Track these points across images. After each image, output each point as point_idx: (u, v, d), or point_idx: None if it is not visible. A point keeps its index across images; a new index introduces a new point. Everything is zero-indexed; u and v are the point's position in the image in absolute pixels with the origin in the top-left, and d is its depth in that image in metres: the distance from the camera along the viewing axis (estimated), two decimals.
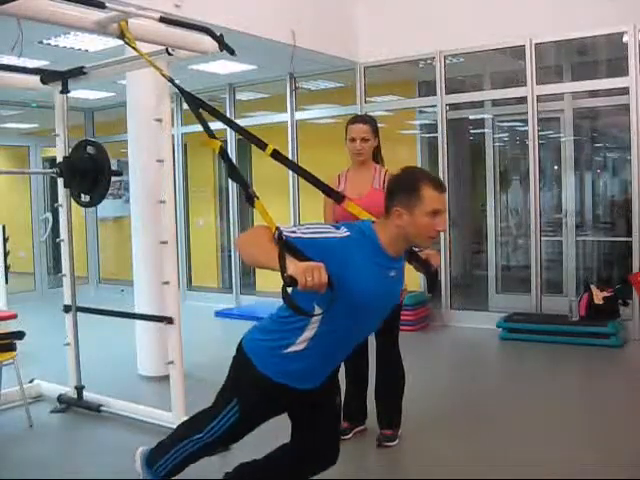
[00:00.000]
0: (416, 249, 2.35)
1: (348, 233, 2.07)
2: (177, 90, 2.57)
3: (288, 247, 1.94)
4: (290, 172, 6.91)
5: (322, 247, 2.00)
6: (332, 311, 2.01)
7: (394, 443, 3.49)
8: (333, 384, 2.43)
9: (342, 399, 2.67)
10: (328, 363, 2.29)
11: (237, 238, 2.07)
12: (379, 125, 3.53)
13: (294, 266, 1.81)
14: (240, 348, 2.29)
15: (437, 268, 2.38)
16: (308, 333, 2.13)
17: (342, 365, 3.43)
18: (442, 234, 6.55)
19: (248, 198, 2.14)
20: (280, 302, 2.04)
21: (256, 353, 2.23)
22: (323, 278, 1.80)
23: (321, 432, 2.40)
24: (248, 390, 2.25)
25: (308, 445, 2.41)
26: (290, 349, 2.15)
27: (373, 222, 2.19)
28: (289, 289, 1.84)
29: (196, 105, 2.44)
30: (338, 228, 2.10)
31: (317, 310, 2.05)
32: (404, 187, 2.11)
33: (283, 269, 1.80)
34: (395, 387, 3.56)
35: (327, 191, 2.47)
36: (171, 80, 2.77)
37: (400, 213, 2.07)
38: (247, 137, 2.43)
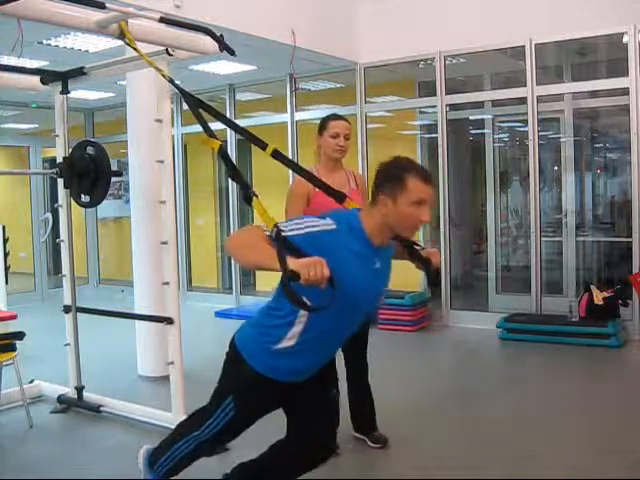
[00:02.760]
0: (417, 247, 2.35)
1: (335, 226, 2.07)
2: (177, 90, 2.57)
3: (287, 245, 1.94)
4: (290, 172, 6.93)
5: (309, 240, 1.99)
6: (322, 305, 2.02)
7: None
8: (329, 376, 2.44)
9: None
10: (319, 357, 2.29)
11: (227, 241, 2.03)
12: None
13: (295, 261, 1.82)
14: (232, 345, 2.31)
15: (438, 266, 2.37)
16: (297, 327, 2.14)
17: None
18: (442, 233, 6.58)
19: (245, 198, 2.14)
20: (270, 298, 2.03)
21: (248, 349, 2.24)
22: (325, 272, 1.81)
23: (317, 424, 2.40)
24: (242, 387, 2.27)
25: (305, 437, 2.41)
26: (281, 345, 2.16)
27: (360, 210, 2.21)
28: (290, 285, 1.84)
29: (196, 105, 2.44)
30: (324, 218, 2.10)
31: (318, 307, 2.03)
32: (390, 176, 2.12)
33: (284, 265, 1.80)
34: (369, 388, 3.53)
35: (327, 190, 2.47)
36: (171, 80, 2.77)
37: (386, 202, 2.09)
38: (247, 137, 2.44)
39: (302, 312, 2.09)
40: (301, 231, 2.02)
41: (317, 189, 3.35)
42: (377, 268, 2.17)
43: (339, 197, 2.43)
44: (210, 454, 2.59)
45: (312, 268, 1.79)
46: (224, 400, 2.27)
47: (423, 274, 2.39)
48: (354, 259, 2.07)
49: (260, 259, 1.91)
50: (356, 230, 2.11)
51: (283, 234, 1.97)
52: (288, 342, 2.16)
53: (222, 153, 2.31)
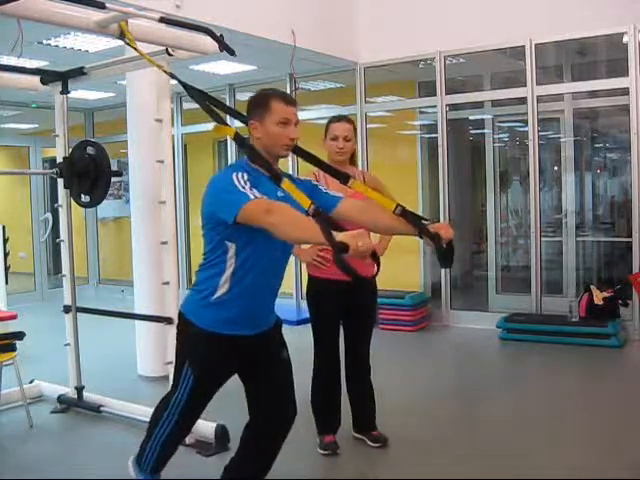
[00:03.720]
0: (426, 222, 2.29)
1: (237, 173, 2.18)
2: (180, 86, 2.58)
3: (327, 219, 2.10)
4: (292, 166, 6.94)
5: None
6: (245, 243, 2.21)
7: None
8: (277, 337, 2.50)
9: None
10: (257, 302, 2.35)
11: (264, 215, 2.05)
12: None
13: (342, 234, 1.92)
14: (179, 313, 2.41)
15: (451, 239, 2.27)
16: (227, 272, 2.25)
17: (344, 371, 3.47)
18: None
19: (275, 177, 2.22)
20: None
21: (191, 311, 2.35)
22: (370, 243, 1.92)
23: (274, 386, 2.47)
24: (193, 349, 2.35)
25: (265, 404, 2.47)
26: (217, 294, 2.28)
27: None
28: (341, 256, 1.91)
29: (201, 97, 2.46)
30: (238, 183, 2.16)
31: (231, 245, 2.22)
32: (257, 103, 2.35)
33: (332, 238, 1.89)
34: (371, 386, 3.53)
35: (332, 171, 2.53)
36: (172, 75, 2.77)
37: (255, 126, 2.32)
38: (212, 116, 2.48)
39: (229, 255, 2.24)
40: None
41: (324, 174, 3.38)
42: (281, 196, 2.25)
43: (343, 177, 2.47)
44: (188, 431, 2.64)
45: (359, 239, 1.88)
46: (182, 369, 2.36)
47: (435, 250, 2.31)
48: (268, 189, 2.20)
49: (307, 234, 2.02)
50: (248, 168, 2.26)
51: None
52: (223, 289, 2.27)
53: (239, 140, 2.35)
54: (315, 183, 2.50)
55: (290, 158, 6.75)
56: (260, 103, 2.34)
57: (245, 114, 2.41)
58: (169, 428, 2.42)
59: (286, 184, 2.18)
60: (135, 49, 2.94)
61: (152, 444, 2.46)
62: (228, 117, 2.68)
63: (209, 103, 2.43)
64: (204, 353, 2.33)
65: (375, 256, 2.19)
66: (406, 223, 2.30)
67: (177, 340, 2.44)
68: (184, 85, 2.54)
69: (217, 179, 2.32)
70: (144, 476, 2.50)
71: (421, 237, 2.29)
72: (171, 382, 2.50)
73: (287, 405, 2.49)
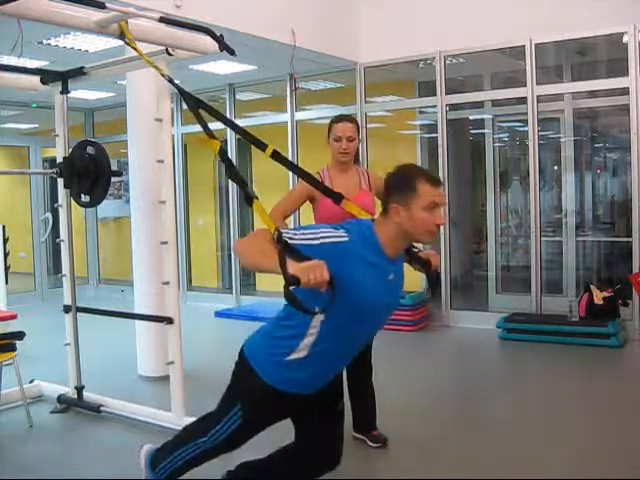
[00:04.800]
0: (415, 249, 2.34)
1: (348, 237, 2.05)
2: (176, 90, 2.57)
3: (288, 248, 1.94)
4: (290, 172, 6.93)
5: (322, 252, 1.97)
6: (334, 315, 2.02)
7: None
8: (336, 388, 2.44)
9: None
10: (330, 369, 2.28)
11: (236, 243, 2.06)
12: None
13: (295, 265, 1.82)
14: (242, 354, 2.28)
15: (437, 268, 2.36)
16: (309, 339, 2.12)
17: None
18: (442, 233, 6.58)
19: (247, 198, 2.13)
20: (282, 303, 2.04)
21: (258, 360, 2.22)
22: (325, 275, 1.81)
23: (322, 436, 2.40)
24: (251, 397, 2.25)
25: (309, 448, 2.42)
26: (292, 356, 2.15)
27: (373, 221, 2.18)
28: (291, 289, 1.84)
29: (195, 105, 2.44)
30: (337, 229, 2.08)
31: (317, 311, 2.03)
32: (400, 183, 2.11)
33: (284, 269, 1.80)
34: (371, 386, 3.53)
35: (325, 191, 2.48)
36: (170, 80, 2.77)
37: (398, 210, 2.07)
38: (247, 138, 2.44)
39: (314, 323, 2.08)
40: (316, 241, 2.01)
41: (329, 174, 3.36)
42: (391, 279, 2.15)
43: (336, 198, 2.43)
44: (214, 457, 2.55)
45: (312, 271, 1.80)
46: (232, 408, 2.26)
47: (423, 276, 2.39)
48: (368, 270, 2.05)
49: (262, 262, 1.92)
50: (370, 241, 2.09)
51: (295, 242, 1.97)
52: (300, 353, 2.14)
53: (222, 154, 2.30)
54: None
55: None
56: (405, 184, 2.09)
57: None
58: (199, 452, 2.36)
59: (256, 205, 2.11)
60: (135, 49, 2.95)
61: (175, 459, 2.40)
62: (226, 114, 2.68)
63: (207, 112, 2.41)
64: (261, 404, 2.25)
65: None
66: None
67: (234, 377, 2.32)
68: (180, 91, 2.52)
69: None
70: (155, 477, 2.47)
71: (410, 264, 2.32)
72: (209, 412, 2.37)
73: (331, 455, 2.42)
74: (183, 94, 2.49)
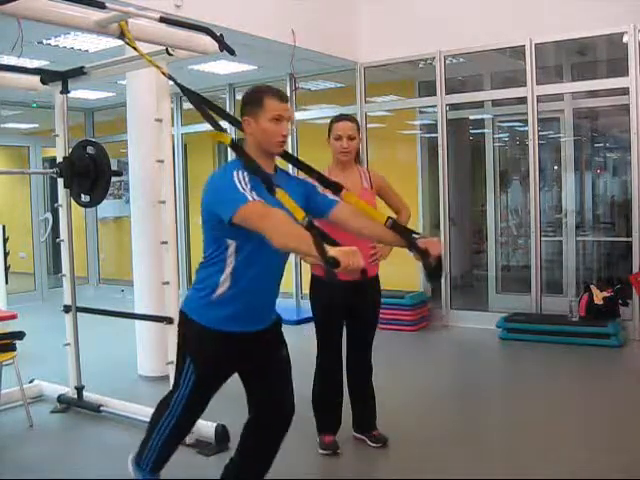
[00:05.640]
0: (416, 236, 2.35)
1: (238, 172, 2.18)
2: (178, 88, 2.58)
3: (321, 233, 2.10)
4: (290, 166, 6.93)
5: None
6: (245, 240, 2.20)
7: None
8: (277, 334, 2.51)
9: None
10: (258, 298, 2.36)
11: (260, 220, 2.06)
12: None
13: (334, 249, 1.91)
14: (180, 311, 2.42)
15: (439, 256, 2.30)
16: (228, 269, 2.27)
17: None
18: (442, 233, 6.58)
19: (269, 188, 2.20)
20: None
21: (192, 308, 2.36)
22: (361, 262, 1.91)
23: (272, 383, 2.47)
24: (195, 344, 2.36)
25: (263, 401, 2.47)
26: (217, 292, 2.29)
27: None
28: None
29: (198, 101, 2.46)
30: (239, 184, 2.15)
31: (231, 243, 2.23)
32: (251, 99, 2.35)
33: (324, 252, 1.89)
34: (371, 386, 3.53)
35: (324, 181, 2.50)
36: (171, 77, 2.77)
37: (249, 122, 2.32)
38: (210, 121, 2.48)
39: (229, 252, 2.25)
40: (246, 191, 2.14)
41: (329, 169, 3.37)
42: (279, 201, 2.22)
43: (334, 188, 2.47)
44: (189, 430, 2.65)
45: (351, 256, 1.88)
46: (183, 367, 2.36)
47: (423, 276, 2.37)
48: (263, 191, 2.17)
49: (299, 246, 2.00)
50: (241, 166, 2.24)
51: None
52: (223, 286, 2.28)
53: (234, 147, 2.36)
54: (314, 184, 2.48)
55: None
56: (253, 100, 2.34)
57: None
58: (170, 427, 2.43)
59: (280, 194, 2.16)
60: (135, 49, 2.94)
61: (152, 444, 2.46)
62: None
63: (210, 107, 2.45)
64: (206, 350, 2.34)
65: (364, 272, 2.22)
66: (397, 236, 2.36)
67: (178, 338, 2.44)
68: (182, 88, 2.55)
69: (217, 176, 2.32)
70: (143, 475, 2.50)
71: (410, 250, 2.33)
72: (172, 382, 2.49)
73: (284, 403, 2.49)
74: (185, 91, 2.51)
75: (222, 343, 2.32)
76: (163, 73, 2.83)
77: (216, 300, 2.29)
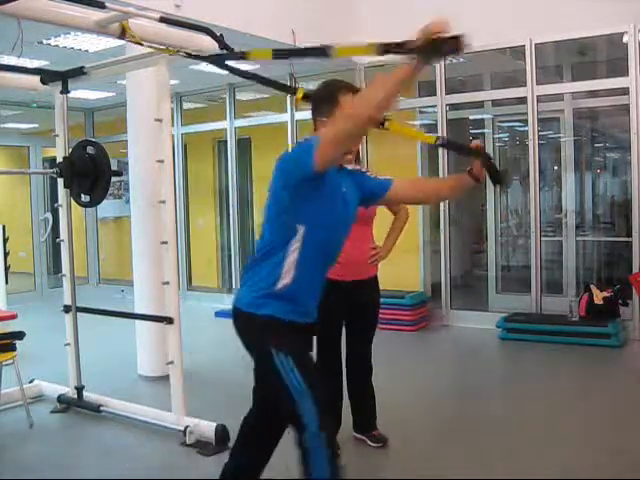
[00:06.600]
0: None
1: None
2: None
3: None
4: None
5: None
6: (313, 226, 2.12)
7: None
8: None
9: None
10: (316, 286, 2.27)
11: (337, 125, 2.00)
12: None
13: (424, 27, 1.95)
14: (236, 311, 2.24)
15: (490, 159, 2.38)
16: (292, 256, 2.14)
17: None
18: (442, 233, 6.58)
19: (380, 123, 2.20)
20: None
21: (253, 304, 2.18)
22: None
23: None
24: (270, 334, 2.16)
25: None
26: (280, 284, 2.14)
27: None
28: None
29: (223, 61, 2.55)
30: None
31: (300, 228, 2.12)
32: (323, 97, 2.28)
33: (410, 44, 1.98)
34: (371, 386, 3.54)
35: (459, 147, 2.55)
36: (190, 55, 2.84)
37: (324, 123, 2.21)
38: (274, 85, 2.59)
39: (296, 238, 2.12)
40: None
41: None
42: (344, 191, 2.24)
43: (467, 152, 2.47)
44: (334, 423, 2.54)
45: (431, 24, 1.94)
46: (273, 362, 2.11)
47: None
48: (331, 184, 2.17)
49: (384, 88, 2.07)
50: None
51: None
52: (286, 278, 2.14)
53: (306, 97, 2.40)
54: (364, 171, 2.51)
55: None
56: (326, 97, 2.25)
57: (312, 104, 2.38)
58: (317, 434, 2.05)
59: (391, 124, 2.22)
60: (139, 43, 2.95)
61: (319, 465, 2.06)
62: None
63: (235, 59, 2.58)
64: (284, 334, 2.15)
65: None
66: (454, 178, 2.41)
67: (246, 340, 2.23)
68: (198, 57, 2.60)
69: (295, 149, 2.27)
70: None
71: (468, 154, 2.40)
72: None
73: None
74: (204, 58, 2.64)
75: (295, 331, 2.18)
76: (177, 52, 2.87)
77: (278, 293, 2.14)
